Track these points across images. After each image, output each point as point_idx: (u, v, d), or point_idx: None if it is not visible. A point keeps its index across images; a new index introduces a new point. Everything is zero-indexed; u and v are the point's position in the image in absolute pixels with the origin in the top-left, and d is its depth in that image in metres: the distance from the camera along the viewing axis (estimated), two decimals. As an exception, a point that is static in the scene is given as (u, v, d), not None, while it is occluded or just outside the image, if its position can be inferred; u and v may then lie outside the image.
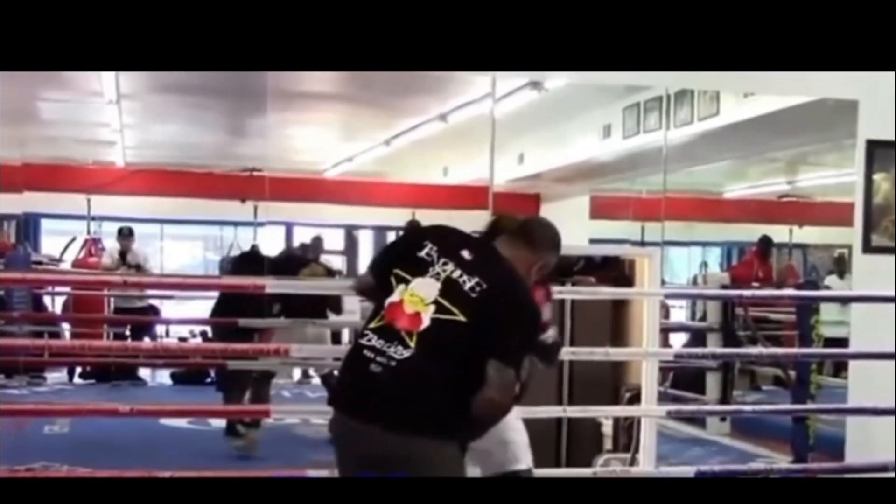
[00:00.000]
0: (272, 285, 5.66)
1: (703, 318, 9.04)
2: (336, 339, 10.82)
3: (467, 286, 3.06)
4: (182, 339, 11.17)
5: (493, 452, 3.76)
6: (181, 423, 7.69)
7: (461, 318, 3.01)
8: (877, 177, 5.60)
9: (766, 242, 11.11)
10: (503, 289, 3.10)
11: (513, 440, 3.83)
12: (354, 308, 7.82)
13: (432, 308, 3.04)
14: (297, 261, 8.23)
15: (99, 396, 9.34)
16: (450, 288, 3.06)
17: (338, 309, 7.94)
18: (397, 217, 12.25)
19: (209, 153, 13.56)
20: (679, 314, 10.21)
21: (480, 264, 3.12)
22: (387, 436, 2.97)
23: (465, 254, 3.15)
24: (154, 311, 11.39)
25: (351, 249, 14.36)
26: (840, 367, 6.67)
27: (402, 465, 2.95)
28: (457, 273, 3.08)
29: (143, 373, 11.07)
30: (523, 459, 3.80)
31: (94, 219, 13.09)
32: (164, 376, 11.04)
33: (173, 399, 9.52)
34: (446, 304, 3.03)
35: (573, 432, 6.37)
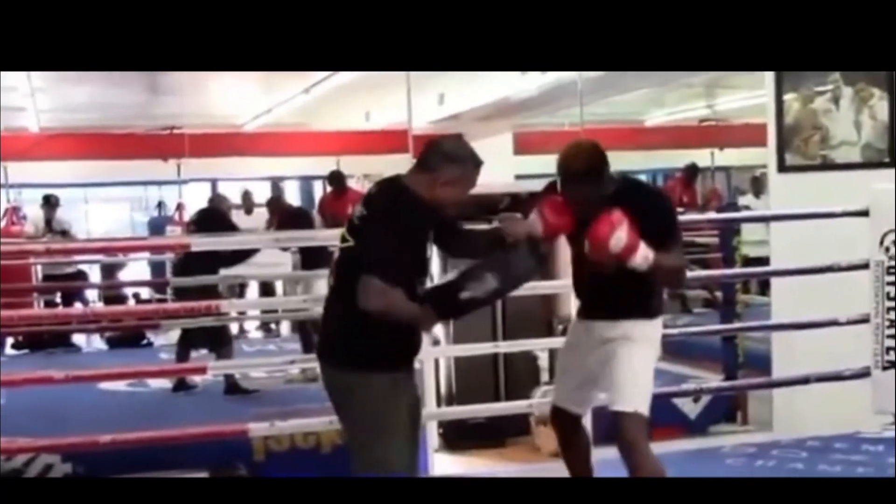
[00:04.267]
0: (196, 243, 5.67)
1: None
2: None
3: (356, 216, 3.42)
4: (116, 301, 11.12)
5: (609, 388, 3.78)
6: (120, 385, 7.66)
7: (350, 243, 3.39)
8: (787, 97, 5.70)
9: (690, 169, 11.31)
10: (372, 210, 3.38)
11: (622, 382, 3.73)
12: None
13: (340, 242, 3.47)
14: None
15: (33, 365, 9.24)
16: (350, 222, 3.44)
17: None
18: (322, 166, 12.21)
19: (127, 113, 13.31)
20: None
21: (369, 196, 3.48)
22: (323, 370, 3.51)
23: (370, 191, 3.52)
24: (83, 276, 11.26)
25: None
26: (766, 286, 6.81)
27: (338, 396, 3.47)
28: (358, 209, 3.44)
29: (79, 339, 10.98)
30: (630, 402, 3.68)
31: (11, 186, 12.86)
32: (99, 342, 10.96)
33: (109, 363, 9.46)
34: (346, 234, 3.43)
35: (510, 366, 6.49)
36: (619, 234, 3.48)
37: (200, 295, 6.88)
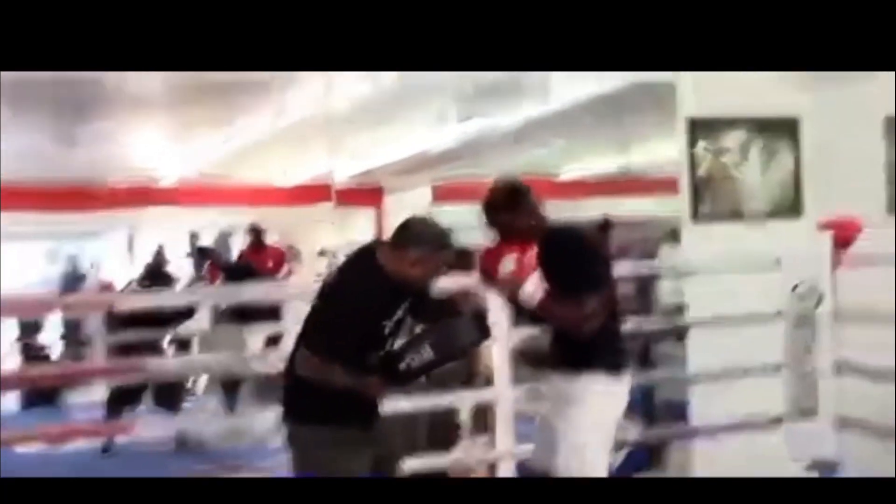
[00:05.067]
0: (120, 302, 5.62)
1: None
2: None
3: (325, 281, 3.68)
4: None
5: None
6: (36, 448, 7.39)
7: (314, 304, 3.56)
8: (698, 149, 5.84)
9: (602, 224, 11.46)
10: (336, 280, 3.58)
11: (566, 452, 3.65)
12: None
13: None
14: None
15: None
16: (322, 283, 3.68)
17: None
18: (241, 217, 12.15)
19: (42, 164, 13.13)
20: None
21: (341, 265, 3.73)
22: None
23: (345, 259, 3.78)
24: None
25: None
26: (680, 334, 6.92)
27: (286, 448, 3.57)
28: (331, 274, 3.75)
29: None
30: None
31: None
32: (10, 400, 10.66)
33: (23, 424, 9.22)
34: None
35: (431, 421, 6.46)
36: (508, 262, 3.55)
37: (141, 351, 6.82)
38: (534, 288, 3.54)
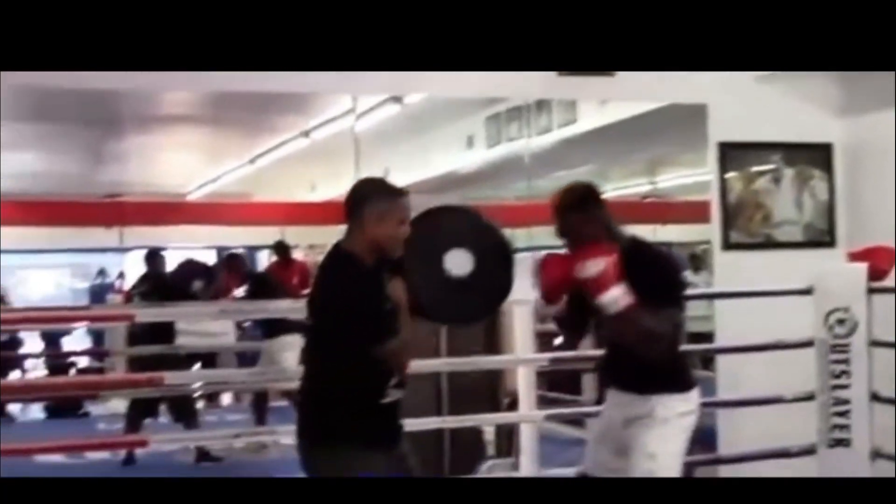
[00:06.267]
0: (142, 314, 5.60)
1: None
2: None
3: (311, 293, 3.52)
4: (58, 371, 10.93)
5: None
6: (57, 459, 7.43)
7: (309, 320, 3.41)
8: (729, 176, 5.78)
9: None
10: (316, 287, 3.45)
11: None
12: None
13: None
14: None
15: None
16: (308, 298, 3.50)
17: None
18: (267, 236, 12.16)
19: (70, 181, 13.23)
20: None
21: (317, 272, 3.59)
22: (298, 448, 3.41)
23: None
24: (18, 343, 11.05)
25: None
26: (708, 361, 6.85)
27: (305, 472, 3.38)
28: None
29: (13, 408, 10.72)
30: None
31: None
32: (35, 410, 10.72)
33: (46, 434, 9.24)
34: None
35: (455, 441, 6.42)
36: (600, 262, 3.41)
37: (158, 365, 6.78)
38: (620, 293, 3.42)
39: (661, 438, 3.61)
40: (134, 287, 8.59)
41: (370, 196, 3.32)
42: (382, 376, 3.29)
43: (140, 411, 7.77)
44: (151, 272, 8.27)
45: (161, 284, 8.00)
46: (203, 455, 7.54)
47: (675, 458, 3.64)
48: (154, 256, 8.46)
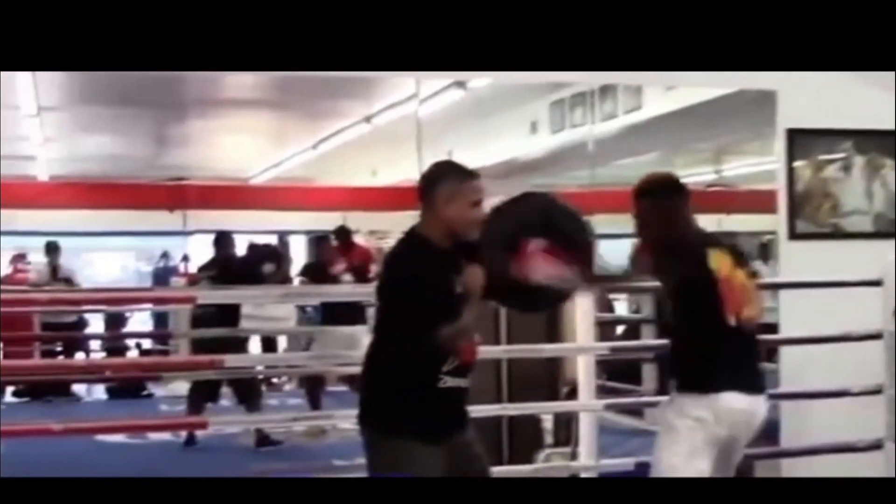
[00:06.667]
0: (203, 296, 5.63)
1: (638, 311, 9.12)
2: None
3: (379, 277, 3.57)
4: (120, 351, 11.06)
5: None
6: (119, 438, 7.56)
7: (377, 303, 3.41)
8: (797, 164, 5.66)
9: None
10: (383, 270, 3.48)
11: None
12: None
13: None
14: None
15: (32, 415, 9.16)
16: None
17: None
18: (328, 221, 12.19)
19: (135, 164, 13.40)
20: (621, 307, 10.21)
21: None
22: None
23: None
24: (84, 324, 11.19)
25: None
26: (772, 352, 6.74)
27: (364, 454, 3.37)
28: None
29: (79, 388, 10.89)
30: None
31: (17, 234, 12.84)
32: (99, 391, 10.87)
33: (109, 414, 9.37)
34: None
35: (514, 429, 6.39)
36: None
37: (221, 348, 6.81)
38: (553, 270, 3.44)
39: (659, 447, 3.56)
40: (202, 269, 8.61)
41: (441, 177, 3.34)
42: (438, 361, 3.26)
43: (203, 394, 7.82)
44: (220, 255, 8.30)
45: (231, 267, 8.03)
46: (263, 438, 7.58)
47: (669, 471, 3.48)
48: (223, 239, 8.46)
